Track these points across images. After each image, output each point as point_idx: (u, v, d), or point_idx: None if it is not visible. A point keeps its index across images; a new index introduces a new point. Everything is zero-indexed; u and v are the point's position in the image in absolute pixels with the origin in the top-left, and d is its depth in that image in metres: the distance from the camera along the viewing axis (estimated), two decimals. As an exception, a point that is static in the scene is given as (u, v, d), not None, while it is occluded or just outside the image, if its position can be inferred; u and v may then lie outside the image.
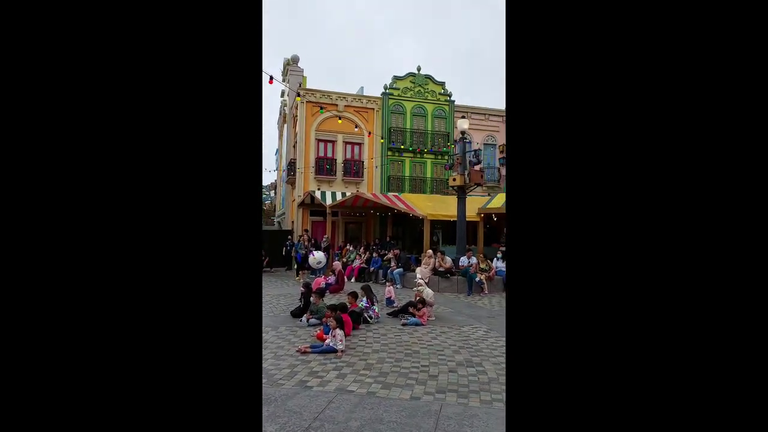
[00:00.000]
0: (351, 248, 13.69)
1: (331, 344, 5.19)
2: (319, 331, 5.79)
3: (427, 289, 7.55)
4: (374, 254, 12.48)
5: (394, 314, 7.30)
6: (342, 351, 5.11)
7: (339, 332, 5.25)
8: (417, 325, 6.70)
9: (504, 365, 4.80)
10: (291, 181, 17.48)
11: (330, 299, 8.27)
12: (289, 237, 15.44)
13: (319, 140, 16.63)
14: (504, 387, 4.13)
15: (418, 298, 7.18)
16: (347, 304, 6.65)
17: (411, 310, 7.01)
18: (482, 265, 10.52)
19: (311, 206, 16.30)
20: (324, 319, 5.92)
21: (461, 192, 11.14)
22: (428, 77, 17.80)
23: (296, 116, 17.08)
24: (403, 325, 6.69)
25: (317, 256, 10.86)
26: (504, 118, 17.47)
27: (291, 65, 18.46)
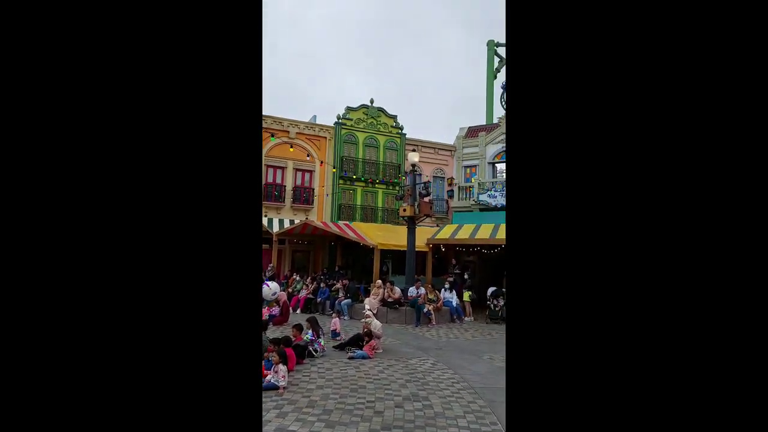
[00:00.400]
0: (297, 278, 13.29)
1: (272, 381, 4.91)
2: (260, 367, 5.47)
3: (375, 320, 7.43)
4: (322, 284, 12.19)
5: (341, 347, 7.09)
6: (284, 388, 4.84)
7: (282, 368, 4.99)
8: (364, 358, 6.53)
9: (449, 399, 4.76)
10: (238, 206, 16.87)
11: (273, 332, 7.90)
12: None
13: (268, 166, 16.34)
14: (449, 422, 4.08)
15: (365, 330, 7.04)
16: (291, 337, 6.37)
17: (359, 343, 6.84)
18: (430, 296, 10.58)
19: (258, 233, 15.75)
20: (266, 354, 5.61)
21: (411, 222, 11.30)
22: (381, 110, 18.25)
23: (246, 141, 16.69)
24: (350, 358, 6.50)
25: (272, 287, 10.16)
26: (452, 153, 18.19)
27: (243, 90, 18.21)
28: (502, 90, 23.91)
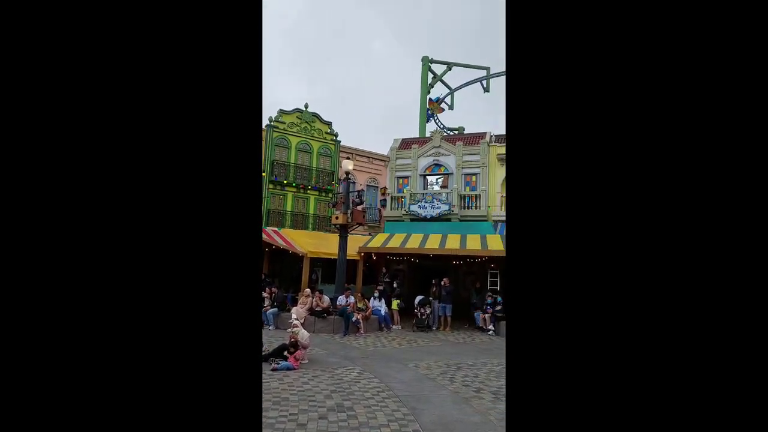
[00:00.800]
0: (222, 285, 12.59)
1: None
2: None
3: (303, 330, 7.24)
4: (248, 292, 11.65)
5: (264, 358, 6.80)
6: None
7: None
8: (288, 369, 6.33)
9: (373, 408, 4.76)
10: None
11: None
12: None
13: (193, 167, 15.39)
14: (372, 431, 4.08)
15: (292, 340, 6.84)
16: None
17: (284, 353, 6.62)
18: (359, 305, 10.58)
19: (178, 238, 14.70)
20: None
21: (343, 230, 11.25)
22: (315, 115, 18.07)
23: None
24: (273, 370, 6.26)
25: None
26: (386, 163, 18.49)
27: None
28: (429, 110, 24.81)
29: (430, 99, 25.11)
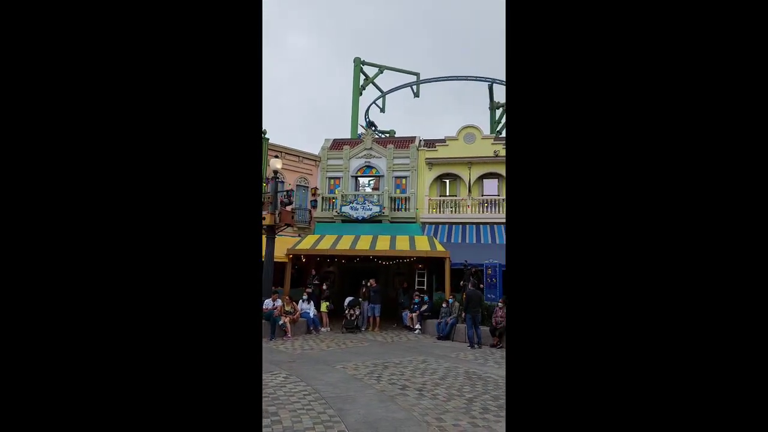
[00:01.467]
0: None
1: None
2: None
3: (225, 335, 6.94)
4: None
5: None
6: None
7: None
8: (209, 377, 6.02)
9: (299, 412, 4.70)
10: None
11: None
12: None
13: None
14: (298, 436, 4.02)
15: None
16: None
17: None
18: (287, 308, 10.35)
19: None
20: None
21: (271, 231, 10.94)
22: (243, 112, 17.39)
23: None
24: (193, 379, 5.92)
25: None
26: (317, 163, 18.30)
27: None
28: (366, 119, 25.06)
29: (361, 125, 25.26)
